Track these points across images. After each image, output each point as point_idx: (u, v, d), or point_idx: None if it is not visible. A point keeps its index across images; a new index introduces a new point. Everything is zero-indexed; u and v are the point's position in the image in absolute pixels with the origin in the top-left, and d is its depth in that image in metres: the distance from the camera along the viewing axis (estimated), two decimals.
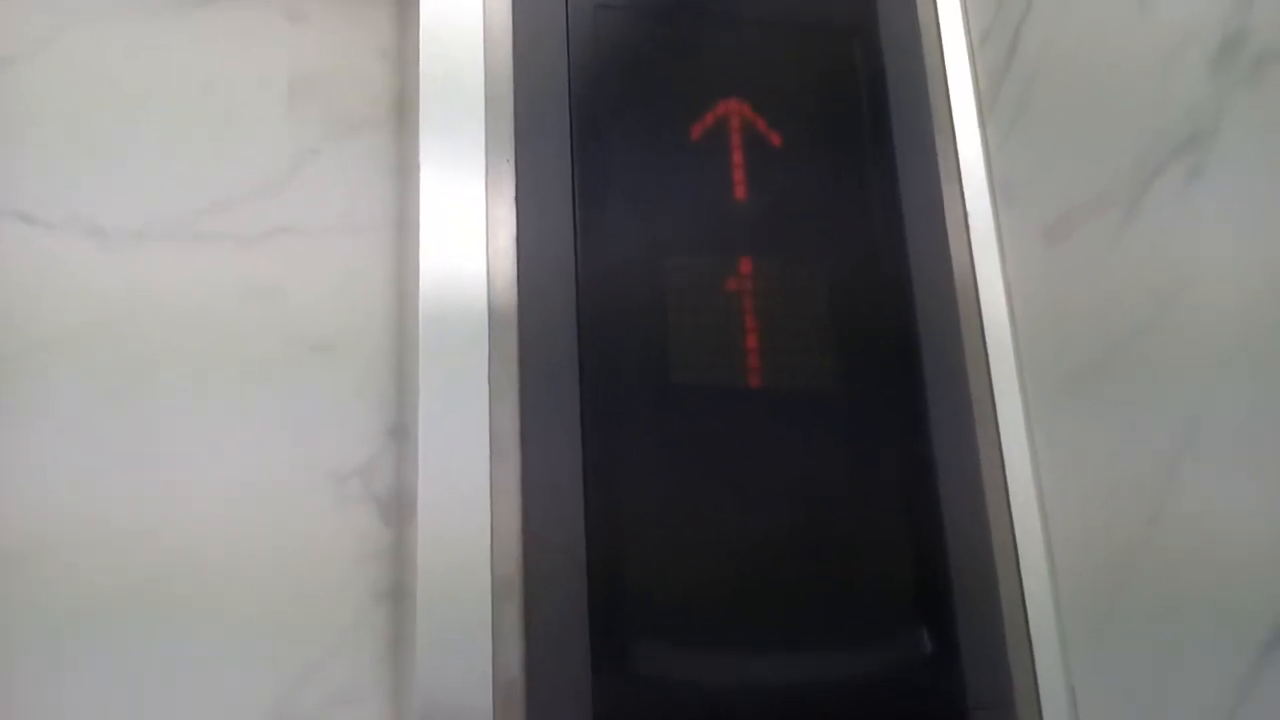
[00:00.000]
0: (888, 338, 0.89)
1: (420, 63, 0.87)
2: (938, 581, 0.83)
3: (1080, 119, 0.87)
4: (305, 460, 0.96)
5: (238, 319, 0.98)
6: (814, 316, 0.87)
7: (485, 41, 0.88)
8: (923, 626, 0.82)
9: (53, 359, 0.94)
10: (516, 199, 0.85)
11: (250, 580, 0.92)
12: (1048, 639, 0.85)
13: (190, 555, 0.92)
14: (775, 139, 0.91)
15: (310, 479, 0.96)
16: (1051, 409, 0.89)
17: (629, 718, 0.76)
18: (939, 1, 1.01)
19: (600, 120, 0.87)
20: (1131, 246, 0.80)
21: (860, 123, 0.94)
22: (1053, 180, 0.90)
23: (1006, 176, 0.95)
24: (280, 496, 0.95)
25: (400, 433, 0.98)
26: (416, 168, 0.85)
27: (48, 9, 1.02)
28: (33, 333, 0.94)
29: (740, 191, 0.88)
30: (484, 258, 0.83)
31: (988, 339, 0.92)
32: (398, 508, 0.96)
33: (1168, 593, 0.76)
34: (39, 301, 0.95)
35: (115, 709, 0.88)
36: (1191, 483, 0.74)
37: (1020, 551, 0.87)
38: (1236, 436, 0.71)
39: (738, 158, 0.89)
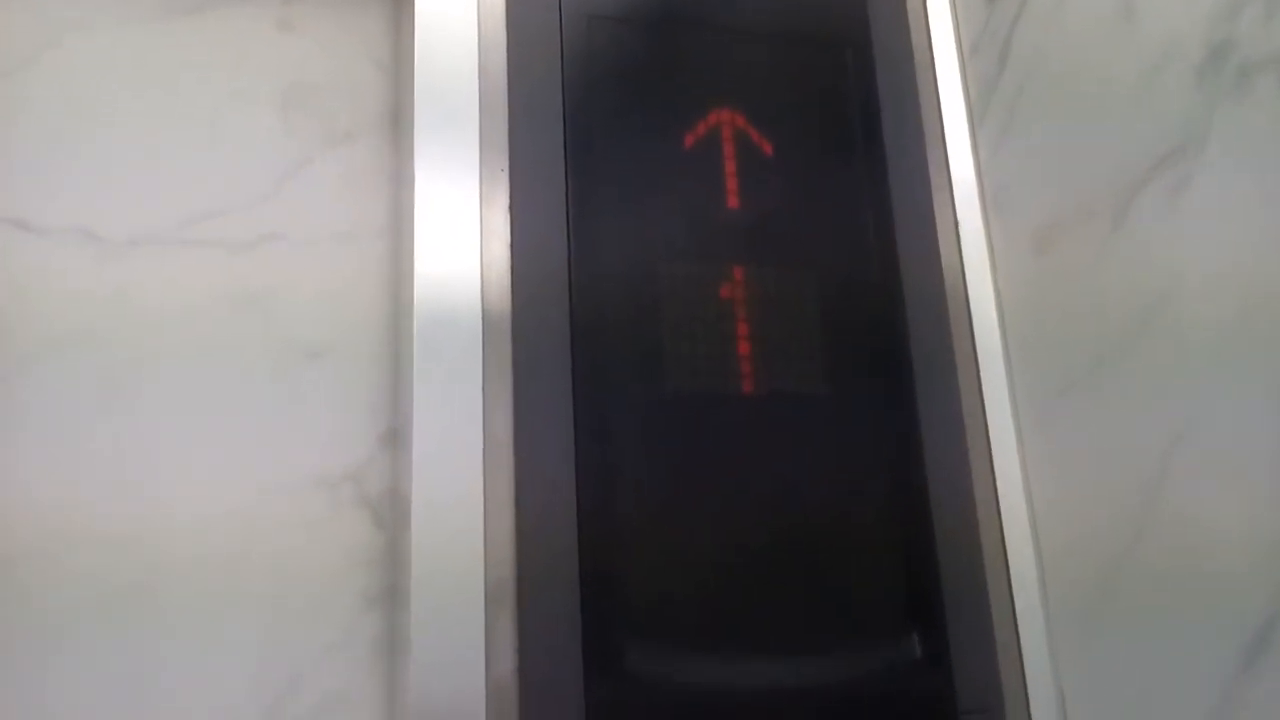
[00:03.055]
0: (879, 344, 0.90)
1: (415, 71, 0.87)
2: (928, 586, 0.84)
3: (1068, 129, 0.87)
4: (297, 465, 0.96)
5: (230, 325, 0.98)
6: (806, 323, 0.88)
7: (480, 50, 0.89)
8: (913, 631, 0.83)
9: (46, 364, 0.94)
10: (511, 207, 0.85)
11: (242, 585, 0.92)
12: (1037, 643, 0.86)
13: (181, 560, 0.92)
14: (767, 148, 0.91)
15: (302, 484, 0.96)
16: (1041, 415, 0.89)
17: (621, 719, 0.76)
18: (930, 12, 1.02)
19: (594, 129, 0.88)
20: (1119, 256, 0.81)
21: (852, 132, 0.95)
22: (1041, 189, 0.90)
23: (996, 185, 0.96)
24: (272, 502, 0.94)
25: (393, 438, 0.98)
26: (411, 176, 0.86)
27: (42, 20, 1.02)
28: (26, 337, 0.94)
29: (733, 200, 0.89)
30: (478, 265, 0.83)
31: (978, 346, 0.93)
32: (391, 513, 0.96)
33: (1156, 598, 0.77)
34: (33, 307, 0.94)
35: (105, 711, 0.87)
36: (1179, 489, 0.75)
37: (1010, 556, 0.88)
38: (1223, 444, 0.71)
39: (730, 166, 0.89)
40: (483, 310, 0.82)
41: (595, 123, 0.88)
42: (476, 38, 0.89)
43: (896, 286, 0.91)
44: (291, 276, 1.01)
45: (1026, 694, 0.85)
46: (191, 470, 0.94)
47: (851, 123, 0.95)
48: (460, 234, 0.84)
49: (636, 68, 0.91)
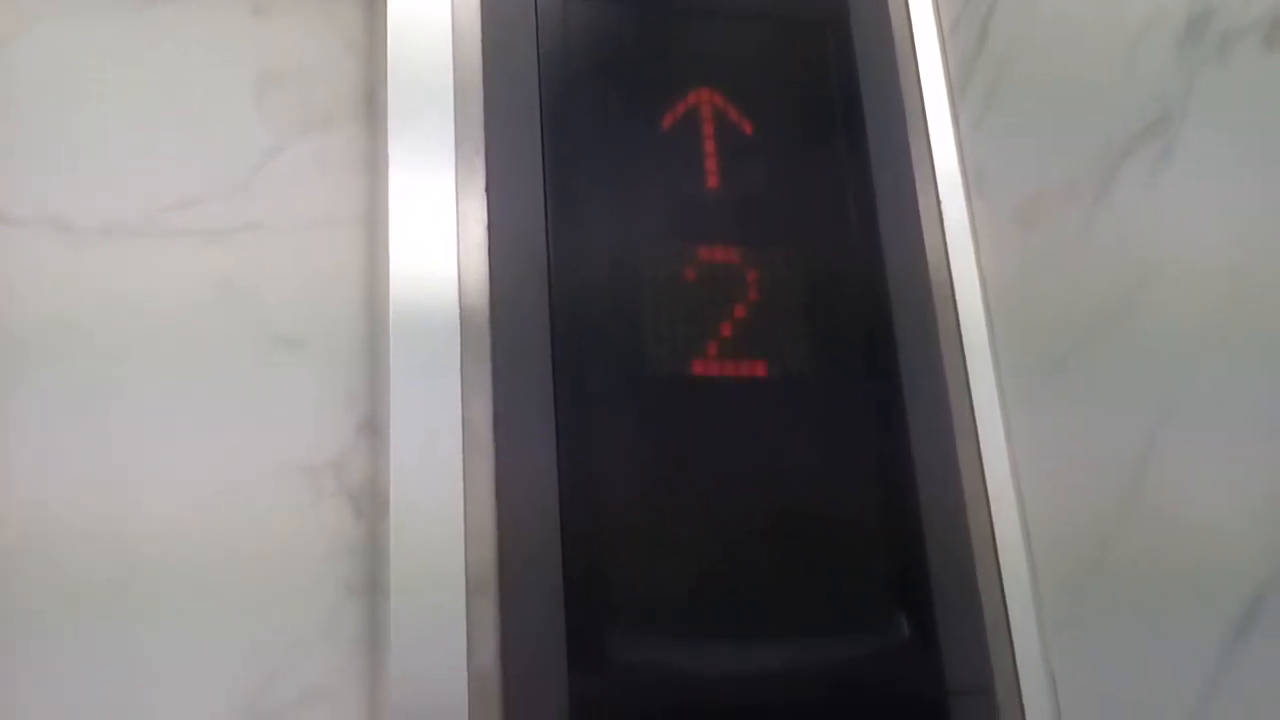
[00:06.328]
0: (862, 326, 0.89)
1: (388, 56, 0.86)
2: (915, 567, 0.83)
3: (1050, 105, 0.87)
4: (276, 455, 0.94)
5: (207, 315, 0.96)
6: (788, 305, 0.87)
7: (454, 33, 0.88)
8: (901, 612, 0.82)
9: (20, 355, 0.92)
10: (487, 192, 0.84)
11: (221, 576, 0.91)
12: (1026, 622, 0.85)
13: (160, 551, 0.90)
14: (747, 128, 0.90)
15: (282, 474, 0.94)
16: (1026, 394, 0.89)
17: (605, 709, 0.75)
18: None
19: (570, 111, 0.87)
20: (1102, 231, 0.80)
21: (832, 111, 0.94)
22: (1024, 166, 0.90)
23: (978, 163, 0.95)
24: (251, 491, 0.93)
25: (372, 427, 0.97)
26: (386, 162, 0.84)
27: (11, 7, 1.00)
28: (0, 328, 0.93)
29: (712, 180, 0.88)
30: (455, 251, 0.82)
31: (962, 325, 0.92)
32: (371, 502, 0.95)
33: (1145, 575, 0.76)
34: (6, 298, 0.93)
35: (84, 707, 0.86)
36: (1165, 468, 0.74)
37: (997, 535, 0.87)
38: (1208, 420, 0.71)
39: (709, 147, 0.88)
40: (460, 297, 0.81)
41: (572, 105, 0.87)
42: (450, 20, 0.88)
43: (879, 266, 0.90)
44: (269, 264, 0.99)
45: (1017, 673, 0.84)
46: (169, 462, 0.92)
47: (832, 102, 0.94)
48: (436, 219, 0.83)
49: (613, 49, 0.90)
